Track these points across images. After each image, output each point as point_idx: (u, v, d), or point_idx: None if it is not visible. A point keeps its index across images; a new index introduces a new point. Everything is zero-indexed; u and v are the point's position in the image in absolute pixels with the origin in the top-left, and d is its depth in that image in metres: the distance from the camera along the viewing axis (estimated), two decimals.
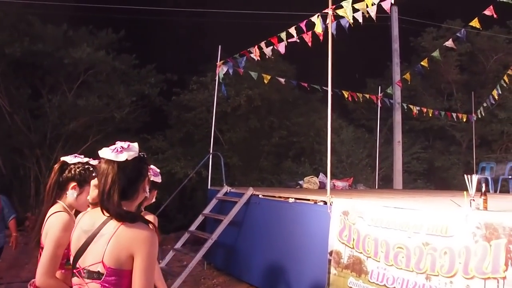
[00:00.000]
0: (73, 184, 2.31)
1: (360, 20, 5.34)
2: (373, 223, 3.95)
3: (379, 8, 5.29)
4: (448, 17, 14.07)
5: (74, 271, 1.68)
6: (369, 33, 9.42)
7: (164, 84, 12.30)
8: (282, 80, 9.31)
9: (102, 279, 1.59)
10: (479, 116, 11.63)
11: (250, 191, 6.05)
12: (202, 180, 10.19)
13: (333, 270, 4.30)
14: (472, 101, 11.80)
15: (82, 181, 2.32)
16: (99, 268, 1.59)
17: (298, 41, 6.25)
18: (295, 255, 5.00)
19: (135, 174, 1.71)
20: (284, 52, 6.59)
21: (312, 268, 4.66)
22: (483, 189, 3.52)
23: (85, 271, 1.63)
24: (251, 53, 7.10)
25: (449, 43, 7.87)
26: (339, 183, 8.95)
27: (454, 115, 11.57)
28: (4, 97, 10.55)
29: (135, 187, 1.72)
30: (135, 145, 1.74)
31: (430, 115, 11.39)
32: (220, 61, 7.95)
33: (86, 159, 2.42)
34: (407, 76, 9.58)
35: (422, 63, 8.59)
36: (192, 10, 13.26)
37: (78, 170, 2.32)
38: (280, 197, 5.54)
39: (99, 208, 1.74)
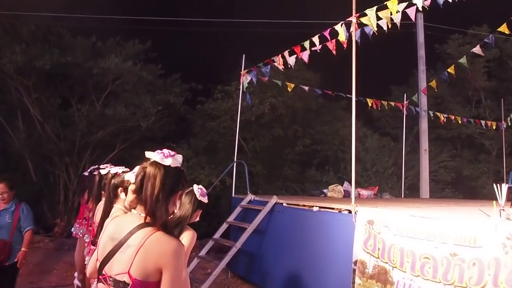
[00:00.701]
0: None
1: (385, 27, 5.29)
2: (398, 233, 3.89)
3: (404, 14, 5.24)
4: (474, 23, 13.80)
5: (100, 277, 1.70)
6: (394, 40, 9.31)
7: (189, 93, 12.50)
8: (306, 88, 9.31)
9: None
10: (509, 124, 11.30)
11: (274, 199, 6.05)
12: (226, 188, 10.26)
13: (357, 280, 4.25)
14: (502, 108, 11.49)
15: None
16: (125, 278, 1.60)
17: (319, 50, 6.25)
18: (319, 264, 4.97)
19: (173, 184, 1.70)
20: (308, 61, 6.59)
21: (336, 278, 4.61)
22: None
23: (111, 279, 1.65)
24: (275, 62, 7.15)
25: (477, 49, 7.67)
26: (364, 192, 8.83)
27: (483, 122, 11.28)
28: (35, 107, 10.93)
29: (169, 197, 1.70)
30: (180, 156, 1.75)
31: (460, 122, 11.14)
32: (244, 70, 8.04)
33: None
34: (433, 83, 9.41)
35: (448, 70, 8.43)
36: (216, 20, 13.48)
37: None
38: (304, 205, 5.52)
39: (125, 215, 1.77)
